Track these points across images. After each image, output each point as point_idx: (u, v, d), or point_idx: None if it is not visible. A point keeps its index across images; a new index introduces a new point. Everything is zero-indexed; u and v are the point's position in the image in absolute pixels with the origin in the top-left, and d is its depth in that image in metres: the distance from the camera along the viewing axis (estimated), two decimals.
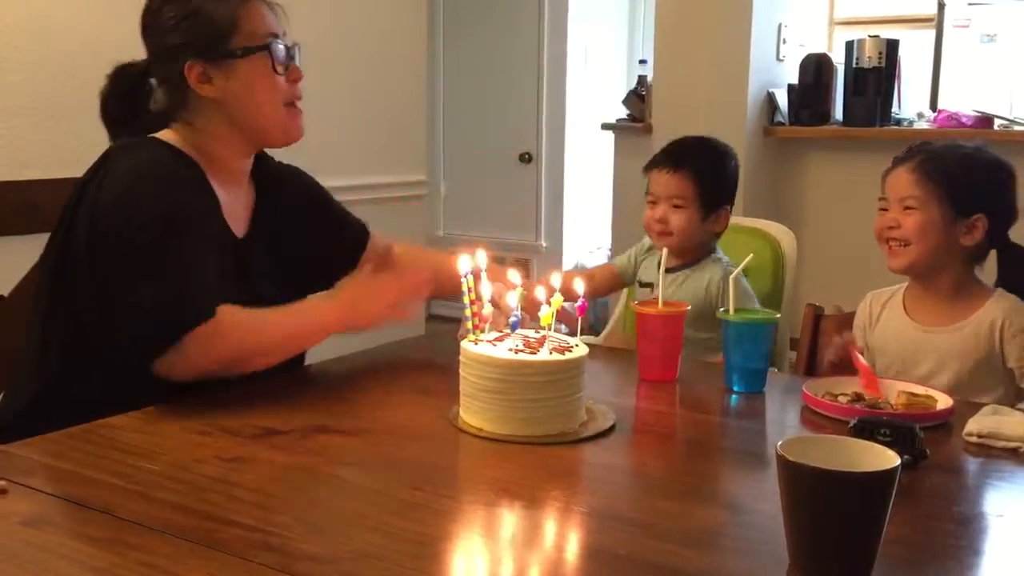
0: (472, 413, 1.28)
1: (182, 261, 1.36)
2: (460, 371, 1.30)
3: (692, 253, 2.00)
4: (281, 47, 1.51)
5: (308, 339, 1.50)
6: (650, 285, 1.99)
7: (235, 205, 1.55)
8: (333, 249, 1.72)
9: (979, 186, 1.63)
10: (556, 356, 1.27)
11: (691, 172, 1.95)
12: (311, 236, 1.67)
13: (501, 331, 1.34)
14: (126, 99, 1.53)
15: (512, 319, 1.33)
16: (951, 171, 1.62)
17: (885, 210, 1.68)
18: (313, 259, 1.67)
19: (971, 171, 1.63)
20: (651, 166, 2.02)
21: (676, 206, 1.95)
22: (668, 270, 1.89)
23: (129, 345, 1.34)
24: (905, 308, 1.70)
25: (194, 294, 1.35)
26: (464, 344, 1.31)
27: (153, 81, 1.52)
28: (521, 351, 1.27)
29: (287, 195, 1.66)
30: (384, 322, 1.54)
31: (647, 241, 2.11)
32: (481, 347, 1.29)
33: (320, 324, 1.49)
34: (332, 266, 1.69)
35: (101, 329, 1.37)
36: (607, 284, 2.20)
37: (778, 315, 1.54)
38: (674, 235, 1.96)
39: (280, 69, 1.50)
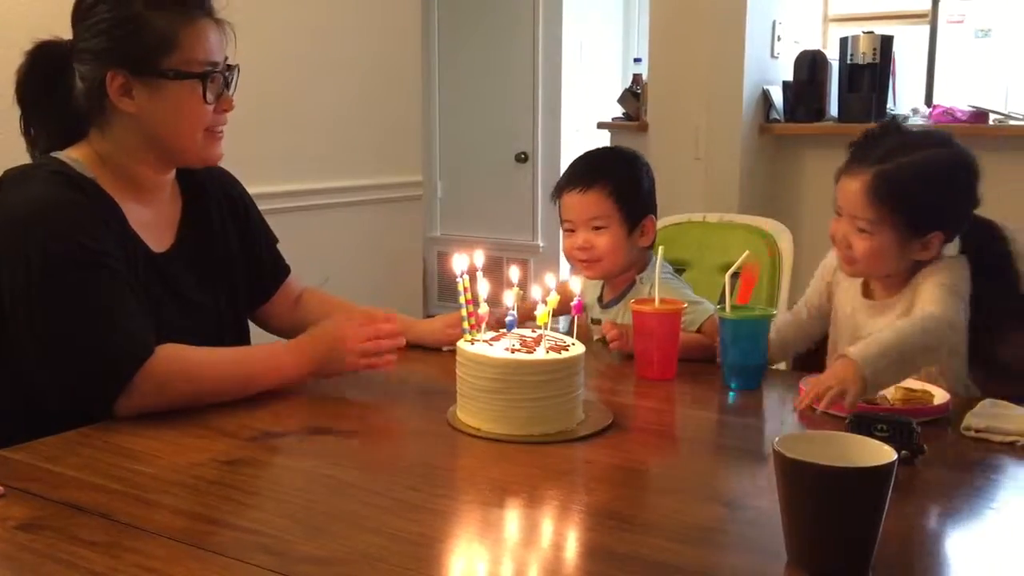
0: (469, 413, 1.28)
1: (98, 305, 1.28)
2: (456, 371, 1.30)
3: (626, 277, 1.82)
4: (219, 77, 1.42)
5: (260, 383, 1.39)
6: (599, 321, 1.83)
7: (155, 219, 1.47)
8: (249, 263, 1.63)
9: (936, 204, 1.50)
10: (553, 355, 1.27)
11: (606, 188, 1.75)
12: (238, 243, 1.60)
13: (497, 331, 1.34)
14: (44, 81, 1.42)
15: (508, 318, 1.33)
16: (906, 192, 1.47)
17: (839, 215, 1.55)
18: (241, 268, 1.60)
19: (928, 187, 1.48)
20: (560, 191, 1.80)
21: (597, 228, 1.75)
22: (607, 305, 1.83)
23: (67, 400, 1.28)
24: (862, 283, 1.63)
25: (120, 342, 1.28)
26: (460, 344, 1.31)
27: (76, 67, 1.40)
28: (517, 351, 1.27)
29: (215, 201, 1.58)
30: (357, 370, 1.45)
31: (589, 288, 1.90)
32: (477, 347, 1.28)
33: (276, 370, 1.41)
34: (249, 283, 1.63)
35: (19, 375, 1.31)
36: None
37: (774, 312, 1.54)
38: (602, 260, 1.76)
39: (211, 99, 1.41)
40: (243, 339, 1.63)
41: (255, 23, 2.96)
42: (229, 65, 1.45)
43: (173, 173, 1.51)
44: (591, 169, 1.80)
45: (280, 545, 0.93)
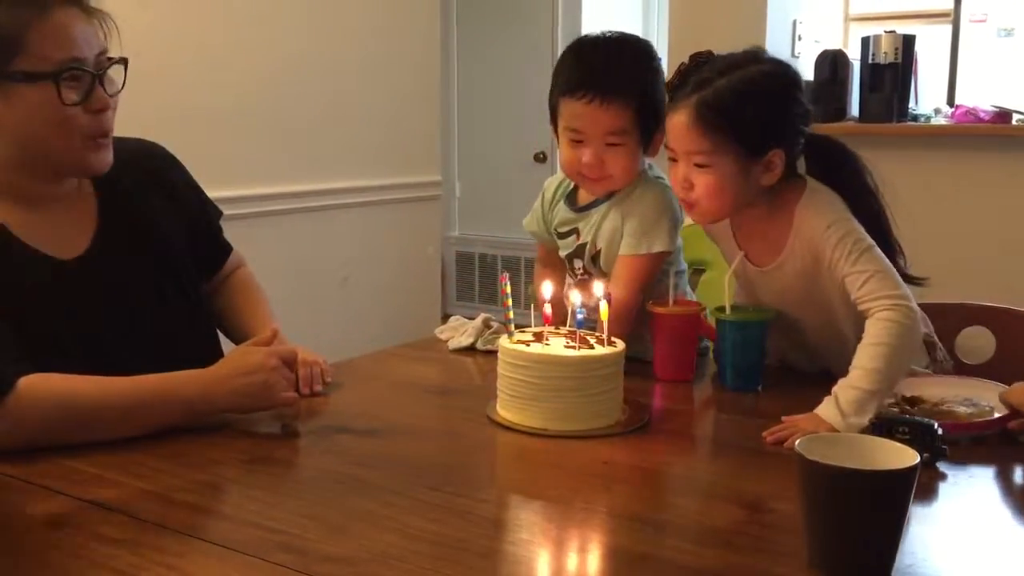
0: (532, 415, 1.27)
1: None
2: (510, 373, 1.29)
3: None
4: (82, 74, 1.25)
5: (148, 417, 1.22)
6: (575, 232, 1.66)
7: (58, 227, 1.34)
8: (187, 237, 1.49)
9: (764, 119, 1.41)
10: (611, 348, 1.29)
11: (631, 102, 1.51)
12: (171, 218, 1.47)
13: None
14: None
15: (578, 316, 1.33)
16: (731, 113, 1.39)
17: (674, 160, 1.45)
18: (181, 244, 1.47)
19: (750, 102, 1.40)
20: (569, 91, 1.53)
21: (612, 144, 1.53)
22: (584, 207, 1.65)
23: None
24: (735, 236, 1.55)
25: None
26: (512, 346, 1.30)
27: None
28: (571, 346, 1.29)
29: (133, 182, 1.42)
30: (286, 403, 1.30)
31: (547, 191, 1.73)
32: (538, 347, 1.29)
33: (172, 404, 1.23)
34: (194, 258, 1.50)
35: None
36: (559, 262, 1.73)
37: (773, 313, 1.51)
38: (612, 178, 1.56)
39: (74, 98, 1.25)
40: (200, 327, 1.51)
41: (273, 23, 2.98)
42: (110, 58, 1.30)
43: (72, 180, 1.37)
44: (612, 74, 1.51)
45: (300, 544, 0.94)
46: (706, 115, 1.39)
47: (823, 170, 1.50)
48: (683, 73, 1.45)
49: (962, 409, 1.30)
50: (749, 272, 1.54)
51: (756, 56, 1.45)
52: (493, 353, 1.43)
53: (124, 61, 1.33)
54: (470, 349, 1.69)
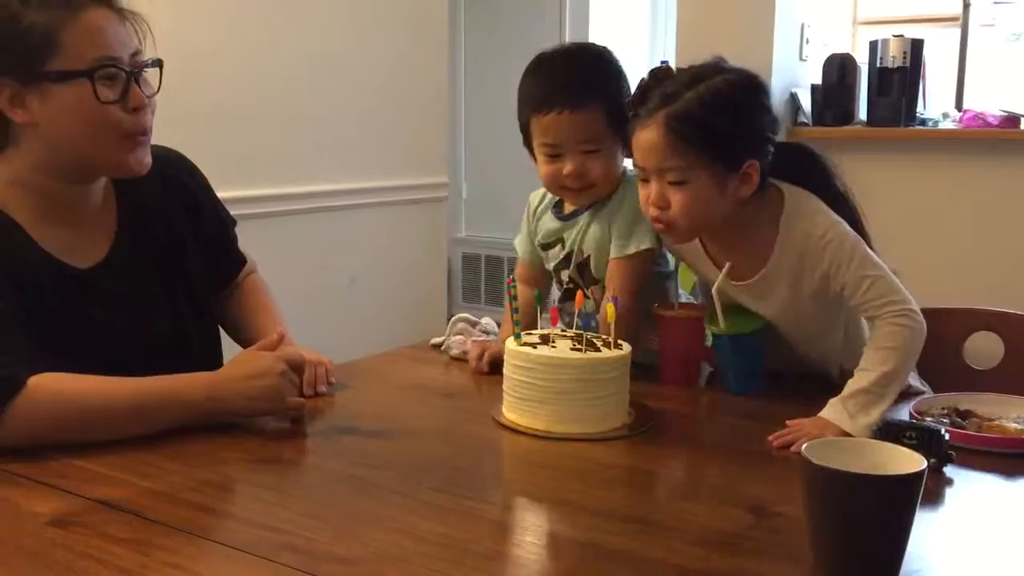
0: (538, 416, 1.28)
1: None
2: (516, 375, 1.29)
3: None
4: (117, 72, 1.26)
5: (157, 417, 1.23)
6: (560, 242, 1.65)
7: (79, 235, 1.35)
8: (202, 245, 1.50)
9: (738, 130, 1.37)
10: (617, 351, 1.29)
11: (597, 105, 1.51)
12: (186, 225, 1.48)
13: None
14: None
15: (586, 319, 1.34)
16: (705, 125, 1.34)
17: (645, 180, 1.40)
18: (193, 251, 1.48)
19: (724, 114, 1.35)
20: (537, 107, 1.55)
21: (590, 151, 1.53)
22: (568, 215, 1.64)
23: None
24: (705, 249, 1.51)
25: None
26: (518, 348, 1.30)
27: None
28: (577, 349, 1.29)
29: (149, 187, 1.41)
30: (295, 408, 1.31)
31: (532, 203, 1.73)
32: (544, 350, 1.29)
33: (178, 404, 1.24)
34: (206, 265, 1.52)
35: None
36: (541, 280, 1.73)
37: (764, 321, 1.50)
38: (596, 187, 1.56)
39: (111, 97, 1.26)
40: (206, 337, 1.52)
41: (280, 26, 2.99)
42: (144, 61, 1.31)
43: (101, 183, 1.38)
44: (580, 83, 1.53)
45: (306, 544, 0.94)
46: (678, 129, 1.34)
47: (789, 176, 1.47)
48: (643, 89, 1.40)
49: (1013, 426, 1.29)
50: (728, 287, 1.50)
51: (719, 66, 1.42)
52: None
53: (159, 63, 1.34)
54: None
